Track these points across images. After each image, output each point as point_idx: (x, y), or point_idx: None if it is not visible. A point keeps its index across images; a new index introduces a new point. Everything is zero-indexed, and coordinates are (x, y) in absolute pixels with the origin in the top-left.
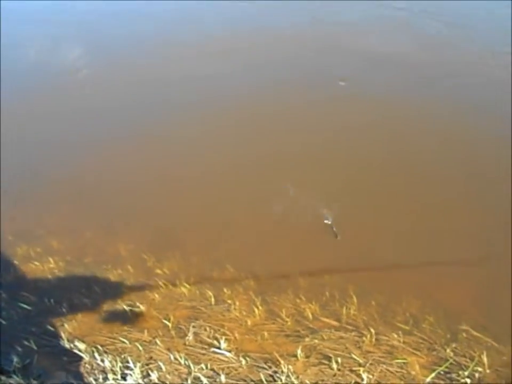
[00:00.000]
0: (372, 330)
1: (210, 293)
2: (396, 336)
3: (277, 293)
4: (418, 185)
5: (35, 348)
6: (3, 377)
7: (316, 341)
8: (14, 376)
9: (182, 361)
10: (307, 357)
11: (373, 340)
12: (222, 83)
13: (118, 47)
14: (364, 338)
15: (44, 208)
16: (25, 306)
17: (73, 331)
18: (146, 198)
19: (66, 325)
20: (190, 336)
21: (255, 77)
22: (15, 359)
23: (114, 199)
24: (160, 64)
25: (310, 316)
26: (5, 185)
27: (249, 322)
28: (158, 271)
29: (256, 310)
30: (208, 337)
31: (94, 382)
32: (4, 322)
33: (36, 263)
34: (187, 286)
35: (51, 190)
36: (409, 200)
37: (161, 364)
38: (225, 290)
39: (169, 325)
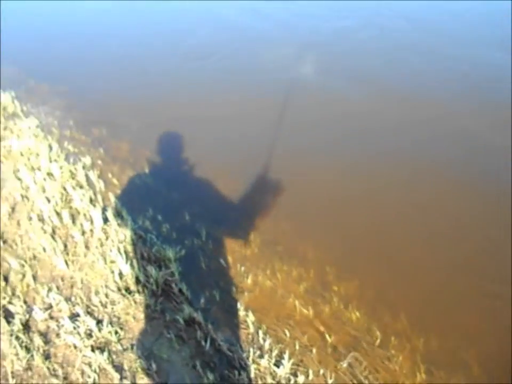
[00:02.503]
0: None
1: (378, 333)
2: None
3: (446, 370)
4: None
5: (217, 300)
6: (190, 309)
7: None
8: (198, 313)
9: (329, 382)
10: None
11: None
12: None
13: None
14: None
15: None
16: (223, 263)
17: (249, 302)
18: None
19: (246, 294)
20: (344, 364)
21: None
22: (202, 300)
23: (331, 212)
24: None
25: None
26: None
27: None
28: (335, 287)
29: (418, 376)
30: (361, 374)
31: (251, 353)
32: (205, 269)
33: None
34: (357, 314)
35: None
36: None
37: (310, 371)
38: (393, 338)
39: (329, 341)
